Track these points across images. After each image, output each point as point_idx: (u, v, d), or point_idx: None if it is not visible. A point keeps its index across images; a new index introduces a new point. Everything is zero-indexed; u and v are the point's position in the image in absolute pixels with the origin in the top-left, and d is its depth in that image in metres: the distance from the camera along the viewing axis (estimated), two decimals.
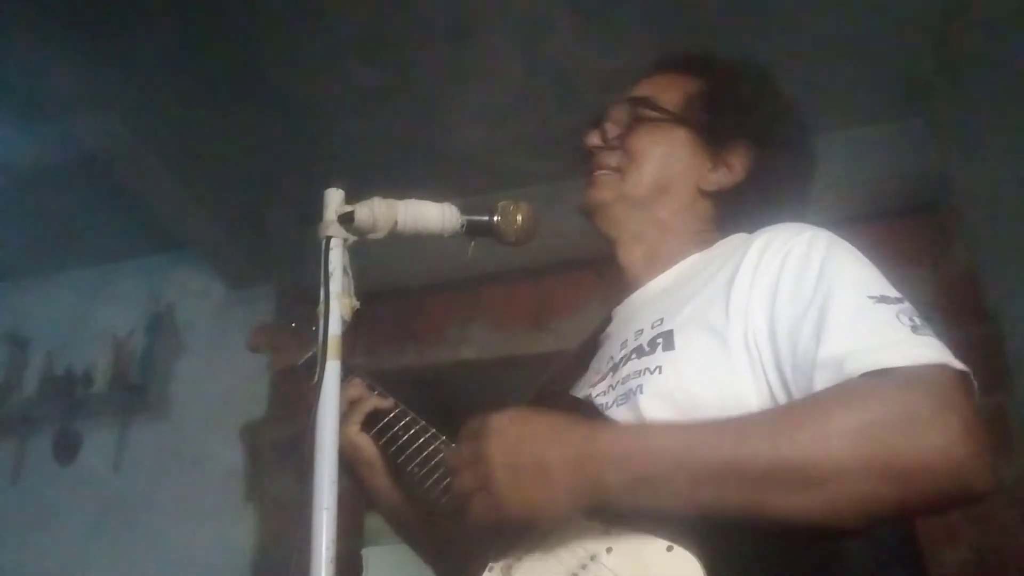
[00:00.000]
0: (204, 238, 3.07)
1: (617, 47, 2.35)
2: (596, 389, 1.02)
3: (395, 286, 2.84)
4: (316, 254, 0.95)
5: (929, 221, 2.57)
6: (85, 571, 2.89)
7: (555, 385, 1.13)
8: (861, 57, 2.39)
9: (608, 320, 1.15)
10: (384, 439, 1.16)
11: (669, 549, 0.79)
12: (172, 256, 3.28)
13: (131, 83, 2.43)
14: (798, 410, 0.81)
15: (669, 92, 1.15)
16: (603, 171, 1.14)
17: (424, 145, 2.70)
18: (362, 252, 0.97)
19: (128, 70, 2.39)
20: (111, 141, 2.56)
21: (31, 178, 2.77)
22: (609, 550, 0.82)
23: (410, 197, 1.00)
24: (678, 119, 1.13)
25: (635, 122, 1.14)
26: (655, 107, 1.14)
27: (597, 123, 1.17)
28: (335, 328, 0.90)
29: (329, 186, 0.98)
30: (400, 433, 1.14)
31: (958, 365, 0.80)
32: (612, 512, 0.81)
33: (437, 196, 1.02)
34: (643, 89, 1.17)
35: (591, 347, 1.15)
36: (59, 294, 3.38)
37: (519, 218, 1.03)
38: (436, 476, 1.07)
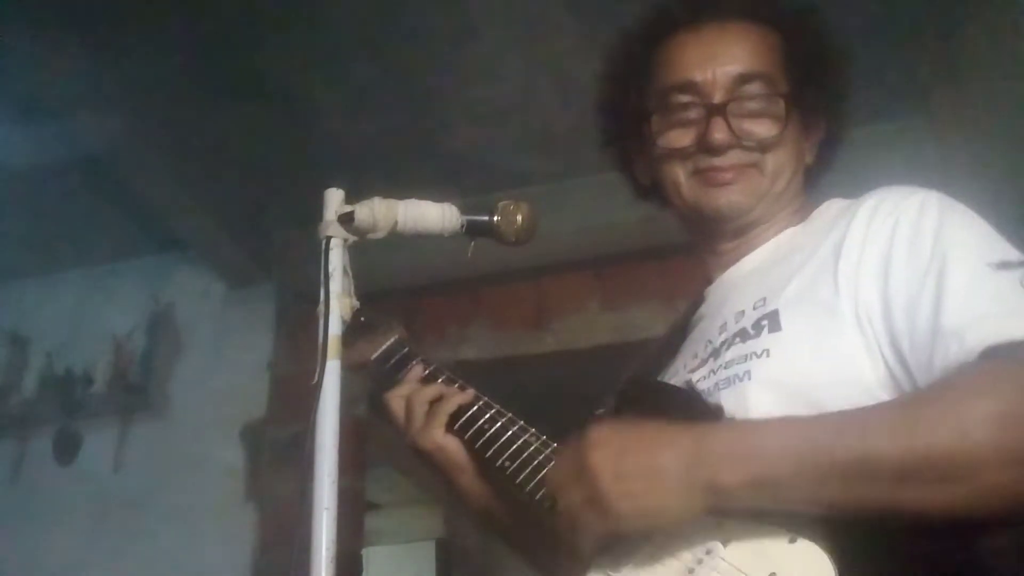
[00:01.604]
0: (204, 238, 3.07)
1: None
2: (696, 374, 0.95)
3: (395, 286, 2.84)
4: (316, 254, 0.95)
5: None
6: (85, 571, 2.89)
7: (647, 372, 1.06)
8: (861, 57, 2.39)
9: (700, 300, 1.07)
10: (469, 433, 1.09)
11: (792, 540, 0.74)
12: (172, 256, 3.28)
13: (131, 83, 2.43)
14: (929, 399, 0.75)
15: (770, 61, 1.02)
16: (738, 170, 1.00)
17: (424, 145, 2.70)
18: (362, 252, 0.97)
19: (128, 70, 2.39)
20: (111, 141, 2.56)
21: (31, 178, 2.77)
22: (726, 542, 0.78)
23: (410, 197, 1.00)
24: (792, 96, 1.01)
25: (765, 110, 1.00)
26: (779, 91, 1.01)
27: (714, 110, 0.99)
28: (335, 328, 0.90)
29: (329, 186, 0.98)
30: (486, 427, 1.08)
31: None
32: (729, 513, 0.77)
33: (437, 196, 1.02)
34: (742, 56, 1.01)
35: (681, 330, 1.08)
36: (59, 294, 3.39)
37: (519, 218, 1.03)
38: (530, 469, 1.00)
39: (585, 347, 2.83)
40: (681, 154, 1.02)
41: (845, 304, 0.85)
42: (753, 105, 1.00)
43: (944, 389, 0.74)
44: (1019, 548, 0.72)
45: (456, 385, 1.15)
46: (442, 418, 1.12)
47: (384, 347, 1.21)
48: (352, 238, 0.96)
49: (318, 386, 0.87)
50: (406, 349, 1.21)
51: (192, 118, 2.57)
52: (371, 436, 2.98)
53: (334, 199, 0.97)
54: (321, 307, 0.91)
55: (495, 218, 1.03)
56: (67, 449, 3.14)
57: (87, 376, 3.14)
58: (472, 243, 1.03)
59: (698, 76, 1.01)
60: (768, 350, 0.87)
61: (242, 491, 2.92)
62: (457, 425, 1.11)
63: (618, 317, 2.79)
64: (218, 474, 2.94)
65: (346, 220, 0.95)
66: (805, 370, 0.85)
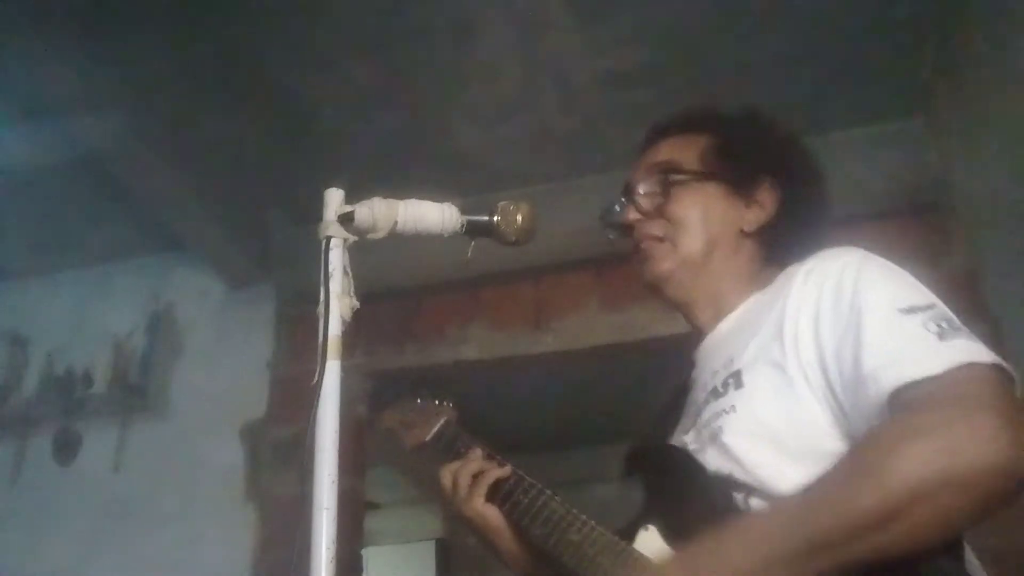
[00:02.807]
0: (204, 238, 3.06)
1: (617, 47, 2.35)
2: (688, 436, 1.11)
3: (395, 286, 2.84)
4: (316, 254, 0.95)
5: (929, 221, 2.57)
6: (85, 571, 2.89)
7: (654, 434, 1.22)
8: (861, 57, 2.39)
9: (692, 365, 1.23)
10: (508, 504, 1.25)
11: None
12: (172, 256, 3.27)
13: (131, 83, 2.43)
14: (853, 462, 0.88)
15: (686, 152, 1.22)
16: (650, 242, 1.21)
17: (424, 145, 2.70)
18: (362, 252, 0.97)
19: (128, 70, 2.39)
20: (111, 141, 2.55)
21: (31, 178, 2.77)
22: None
23: (410, 197, 1.00)
24: (704, 174, 1.20)
25: (666, 188, 1.20)
26: (681, 170, 1.21)
27: (625, 195, 1.23)
28: (335, 328, 0.90)
29: (329, 186, 0.98)
30: (521, 497, 1.23)
31: (986, 358, 0.86)
32: None
33: (437, 196, 1.02)
34: (659, 155, 1.24)
35: (682, 392, 1.23)
36: (59, 294, 3.38)
37: (519, 218, 1.04)
38: (557, 532, 1.15)
39: (585, 347, 2.83)
40: (621, 232, 1.25)
41: (791, 361, 1.00)
42: (658, 186, 1.21)
43: (865, 448, 0.88)
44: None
45: (496, 461, 1.30)
46: (482, 489, 1.28)
47: (436, 429, 1.39)
48: (352, 238, 0.96)
49: (318, 386, 0.87)
50: (453, 430, 1.38)
51: (192, 118, 2.57)
52: (371, 436, 2.98)
53: (334, 199, 0.97)
54: (321, 307, 0.91)
55: (495, 218, 1.03)
56: (67, 449, 3.14)
57: (87, 376, 3.14)
58: (472, 243, 1.04)
59: (628, 179, 1.26)
60: (734, 406, 1.03)
61: (242, 491, 2.91)
62: (497, 496, 1.27)
63: (618, 317, 2.79)
64: (218, 474, 2.93)
65: (346, 220, 0.95)
66: (766, 420, 1.00)
